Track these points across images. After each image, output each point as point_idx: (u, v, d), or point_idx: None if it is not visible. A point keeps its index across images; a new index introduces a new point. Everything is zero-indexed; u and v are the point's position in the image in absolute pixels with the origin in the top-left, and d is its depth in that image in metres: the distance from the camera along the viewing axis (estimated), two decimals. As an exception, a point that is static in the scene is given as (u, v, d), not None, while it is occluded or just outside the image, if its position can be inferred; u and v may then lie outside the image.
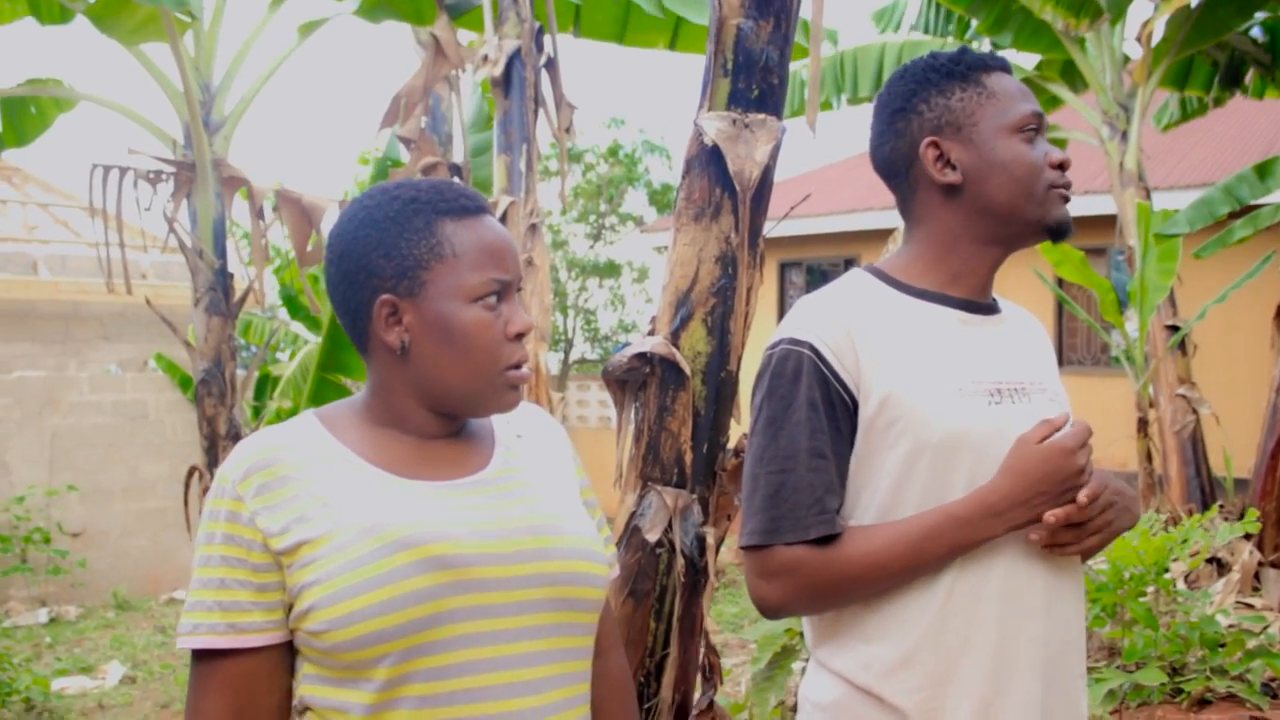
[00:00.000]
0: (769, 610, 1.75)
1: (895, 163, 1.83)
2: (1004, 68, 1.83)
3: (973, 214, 1.78)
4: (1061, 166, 1.77)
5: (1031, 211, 1.77)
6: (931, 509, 1.67)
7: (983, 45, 8.99)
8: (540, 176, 4.95)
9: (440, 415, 1.57)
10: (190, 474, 5.73)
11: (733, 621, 8.29)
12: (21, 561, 9.53)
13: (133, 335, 12.45)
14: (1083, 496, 1.64)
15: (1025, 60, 9.11)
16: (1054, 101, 9.17)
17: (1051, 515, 1.63)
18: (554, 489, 1.62)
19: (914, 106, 1.81)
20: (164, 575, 10.40)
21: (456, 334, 1.51)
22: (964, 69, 1.80)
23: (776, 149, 2.61)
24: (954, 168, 1.78)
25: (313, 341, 10.12)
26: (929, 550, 1.66)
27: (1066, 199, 1.79)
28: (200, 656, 1.49)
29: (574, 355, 19.75)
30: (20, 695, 6.53)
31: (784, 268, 15.16)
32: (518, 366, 1.56)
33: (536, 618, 1.50)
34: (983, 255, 1.81)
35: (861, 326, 1.72)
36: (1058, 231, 1.79)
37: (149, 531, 10.53)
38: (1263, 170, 6.82)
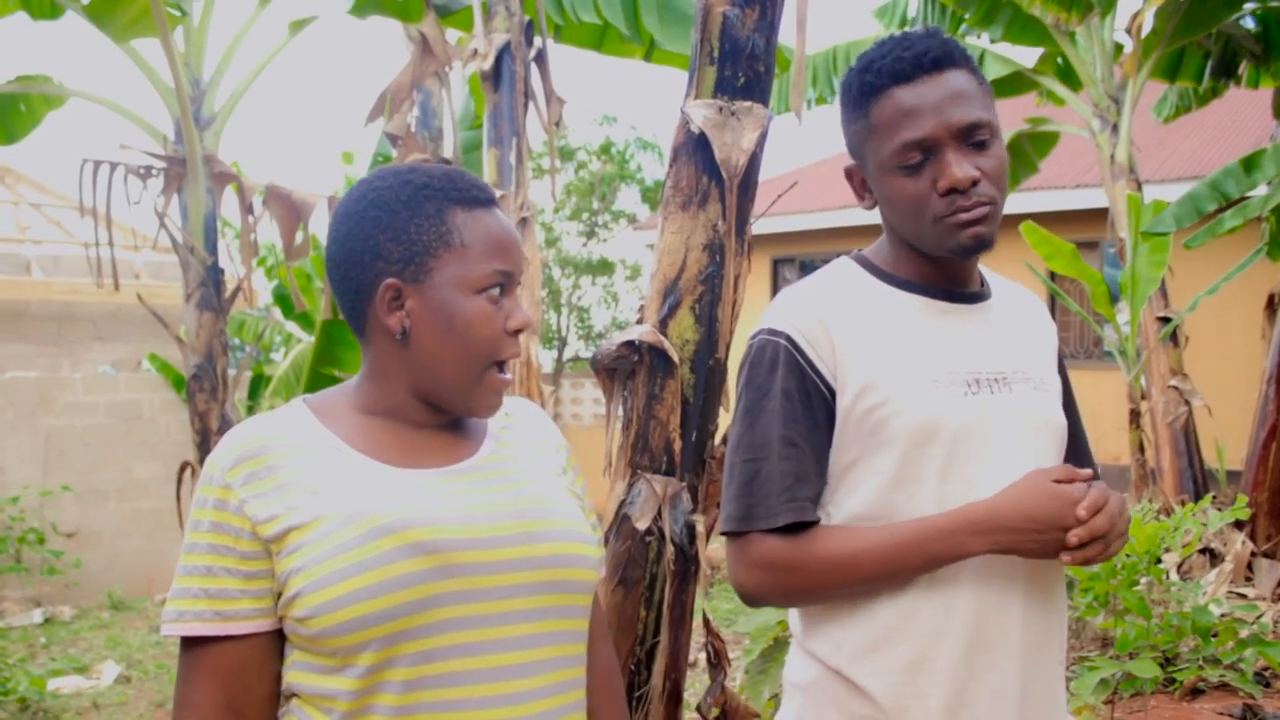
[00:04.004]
0: (747, 598, 1.75)
1: None
2: (905, 77, 1.68)
3: (897, 231, 1.78)
4: (955, 190, 1.66)
5: (925, 243, 1.73)
6: (913, 519, 1.66)
7: (979, 40, 8.99)
8: (533, 174, 4.95)
9: (430, 406, 1.57)
10: (182, 470, 5.72)
11: (727, 617, 8.28)
12: (16, 562, 9.50)
13: (126, 335, 12.42)
14: (1082, 510, 1.59)
15: (1022, 55, 9.11)
16: (1050, 96, 9.17)
17: (1074, 535, 1.59)
18: (542, 476, 1.63)
19: (842, 129, 1.81)
20: (158, 575, 10.38)
21: (458, 323, 1.52)
22: (856, 96, 1.73)
23: (763, 136, 2.61)
24: (870, 192, 1.78)
25: (306, 340, 10.12)
26: (904, 558, 1.65)
27: (966, 222, 1.67)
28: (188, 644, 1.48)
29: (568, 353, 19.74)
30: (16, 695, 6.52)
31: (777, 264, 15.17)
32: (507, 362, 1.56)
33: (526, 601, 1.50)
34: (935, 260, 1.77)
35: (837, 317, 1.72)
36: (962, 255, 1.71)
37: (143, 532, 10.51)
38: (1249, 164, 6.80)
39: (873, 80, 1.69)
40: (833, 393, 1.70)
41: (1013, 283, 1.92)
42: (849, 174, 1.80)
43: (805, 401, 1.69)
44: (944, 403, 1.69)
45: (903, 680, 1.67)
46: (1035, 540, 1.61)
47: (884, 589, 1.67)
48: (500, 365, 1.56)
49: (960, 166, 1.65)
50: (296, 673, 1.49)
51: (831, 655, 1.72)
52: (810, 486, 1.70)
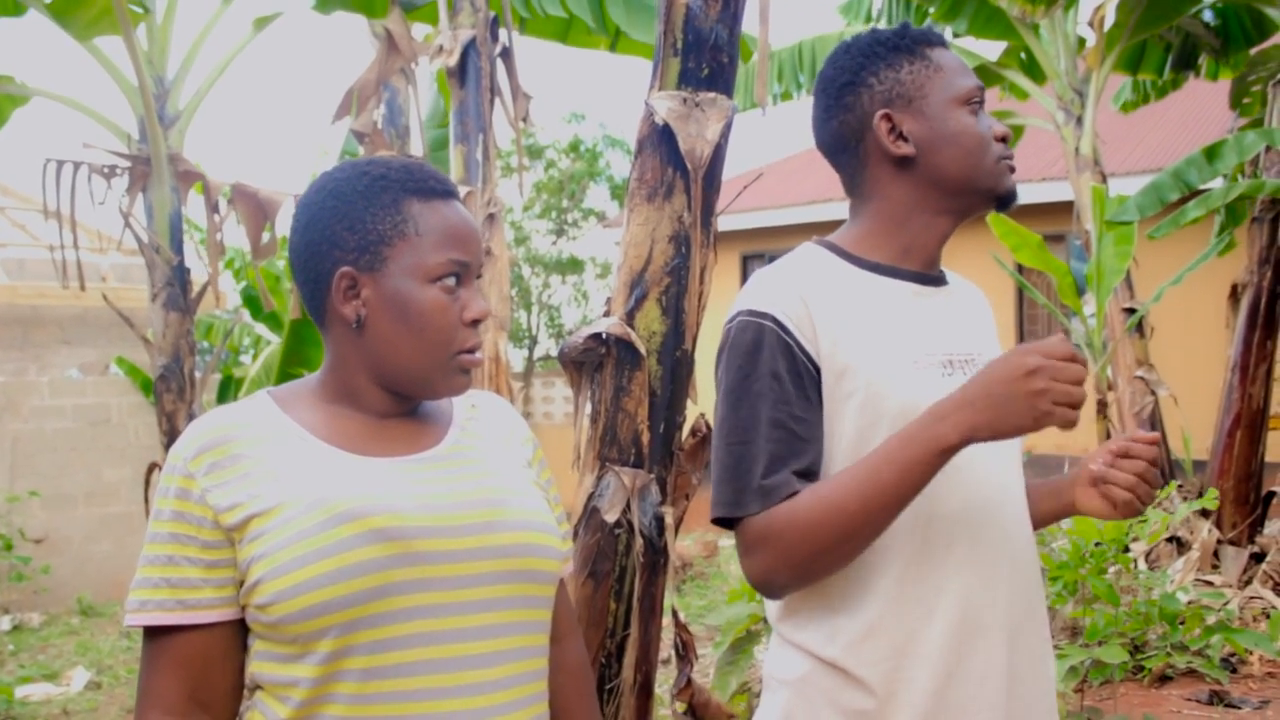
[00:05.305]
0: (760, 586, 1.70)
1: (844, 137, 1.83)
2: (944, 43, 1.86)
3: (925, 185, 1.79)
4: (1004, 140, 1.81)
5: (983, 182, 1.79)
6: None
7: (943, 34, 9.03)
8: (501, 173, 4.94)
9: (392, 394, 1.57)
10: (150, 472, 5.68)
11: (698, 614, 8.29)
12: (-16, 568, 9.44)
13: (93, 339, 12.33)
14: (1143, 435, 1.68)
15: (984, 49, 9.16)
16: (1014, 90, 9.23)
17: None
18: (506, 466, 1.62)
19: (863, 80, 1.81)
20: (128, 580, 10.01)
21: (412, 313, 1.52)
22: (909, 43, 1.82)
23: (728, 127, 2.62)
24: (906, 140, 1.78)
25: (275, 342, 10.07)
26: (879, 478, 1.59)
27: (1013, 169, 1.83)
28: (151, 634, 1.48)
29: (538, 352, 19.72)
30: (-16, 702, 6.48)
31: (746, 260, 15.19)
32: (471, 351, 1.56)
33: (488, 590, 1.50)
34: (934, 227, 1.81)
35: (817, 298, 1.72)
36: (1006, 200, 1.82)
37: (113, 536, 10.43)
38: (1211, 153, 6.84)
39: (924, 35, 1.84)
40: (819, 370, 1.69)
41: (957, 274, 1.94)
42: (882, 119, 1.79)
43: (796, 382, 1.68)
44: (924, 384, 1.70)
45: (896, 666, 1.66)
46: (1001, 398, 1.54)
47: (878, 524, 1.62)
48: (466, 351, 1.56)
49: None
50: (259, 663, 1.48)
51: (825, 646, 1.69)
52: (795, 463, 1.66)
